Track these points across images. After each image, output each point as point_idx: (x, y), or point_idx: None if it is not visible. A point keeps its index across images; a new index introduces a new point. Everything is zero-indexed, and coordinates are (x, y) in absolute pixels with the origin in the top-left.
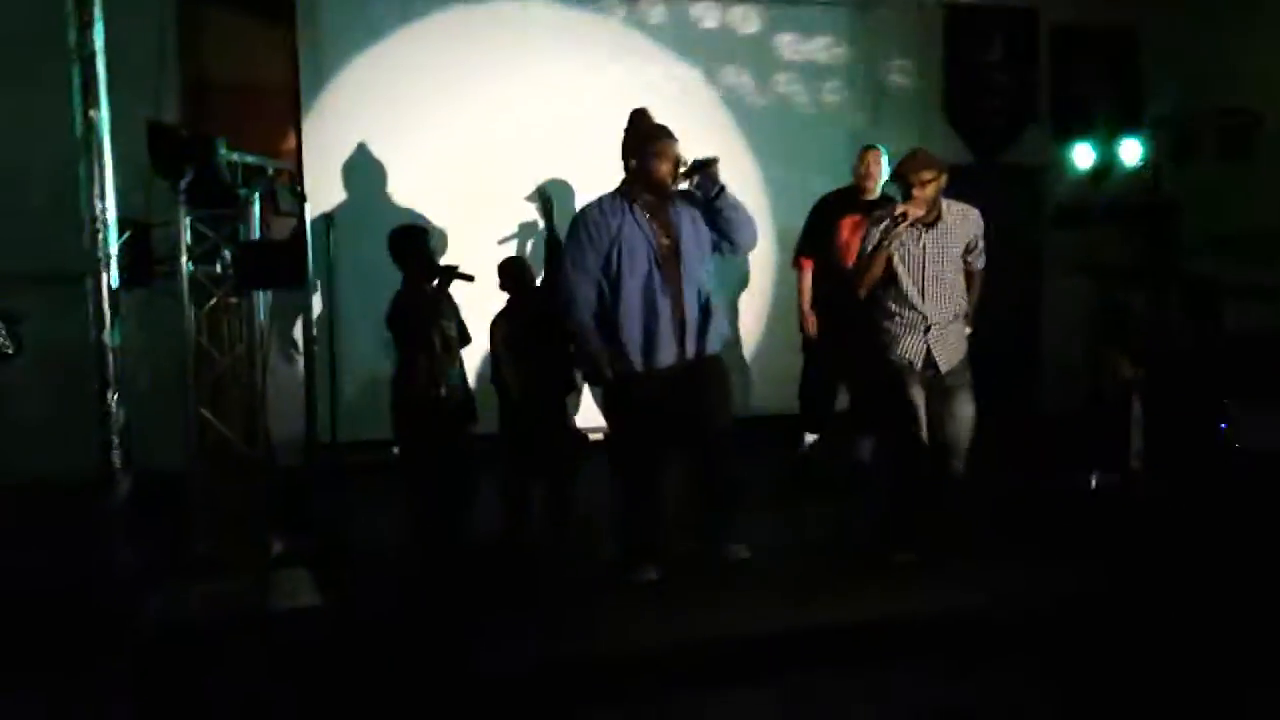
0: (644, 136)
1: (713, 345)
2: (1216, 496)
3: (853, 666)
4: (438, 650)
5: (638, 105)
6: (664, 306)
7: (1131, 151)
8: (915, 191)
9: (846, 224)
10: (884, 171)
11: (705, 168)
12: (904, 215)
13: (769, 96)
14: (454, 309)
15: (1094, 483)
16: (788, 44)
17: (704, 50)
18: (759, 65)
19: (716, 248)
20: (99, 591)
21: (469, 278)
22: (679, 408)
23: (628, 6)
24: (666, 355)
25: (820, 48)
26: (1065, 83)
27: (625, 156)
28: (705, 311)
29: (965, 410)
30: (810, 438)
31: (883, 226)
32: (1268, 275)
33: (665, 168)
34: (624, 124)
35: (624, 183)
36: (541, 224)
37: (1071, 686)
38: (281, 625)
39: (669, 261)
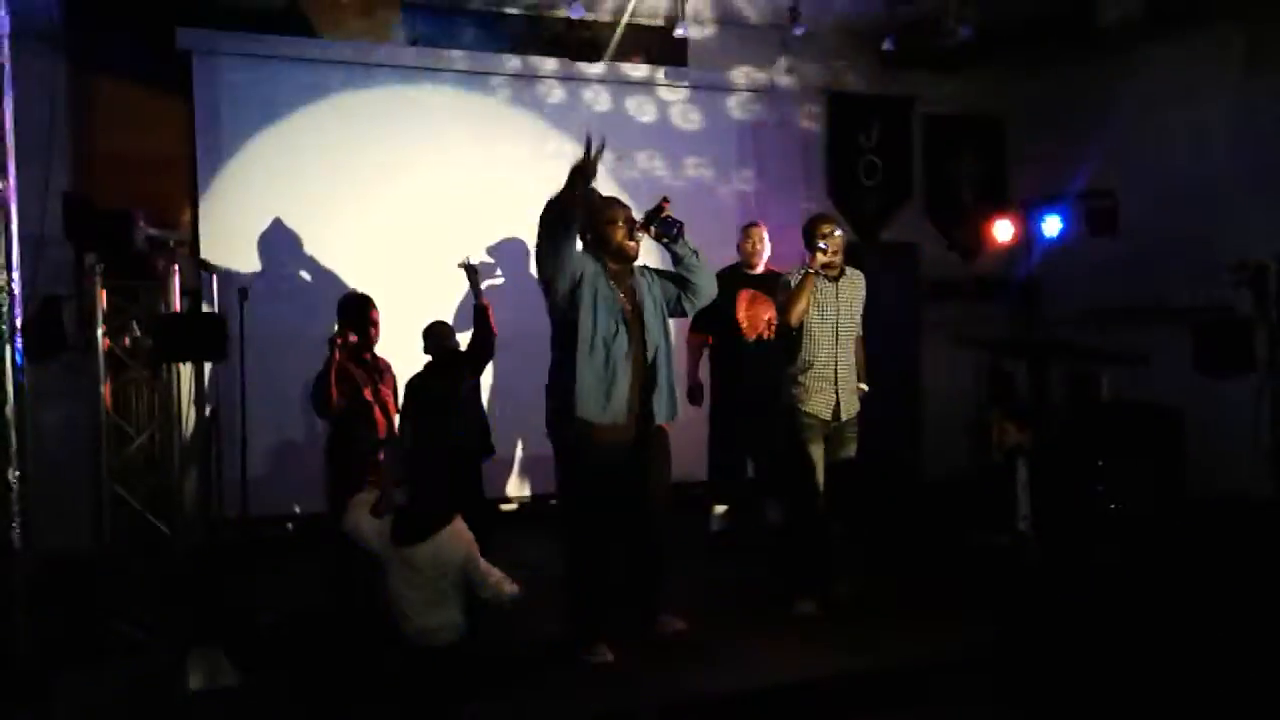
0: (595, 209)
1: (662, 416)
2: (1099, 555)
3: None
4: None
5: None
6: (624, 366)
7: (1004, 230)
8: (823, 243)
9: (743, 297)
10: (767, 248)
11: (660, 213)
12: (814, 269)
13: (667, 181)
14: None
15: (982, 543)
16: (680, 128)
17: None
18: (651, 146)
19: (674, 310)
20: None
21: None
22: (627, 475)
23: (516, 89)
24: (618, 414)
25: (712, 131)
26: (937, 166)
27: (580, 232)
28: (662, 382)
29: (850, 450)
30: (719, 509)
31: (800, 268)
32: (1137, 343)
33: (621, 233)
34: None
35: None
36: (467, 289)
37: None
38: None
39: (634, 324)
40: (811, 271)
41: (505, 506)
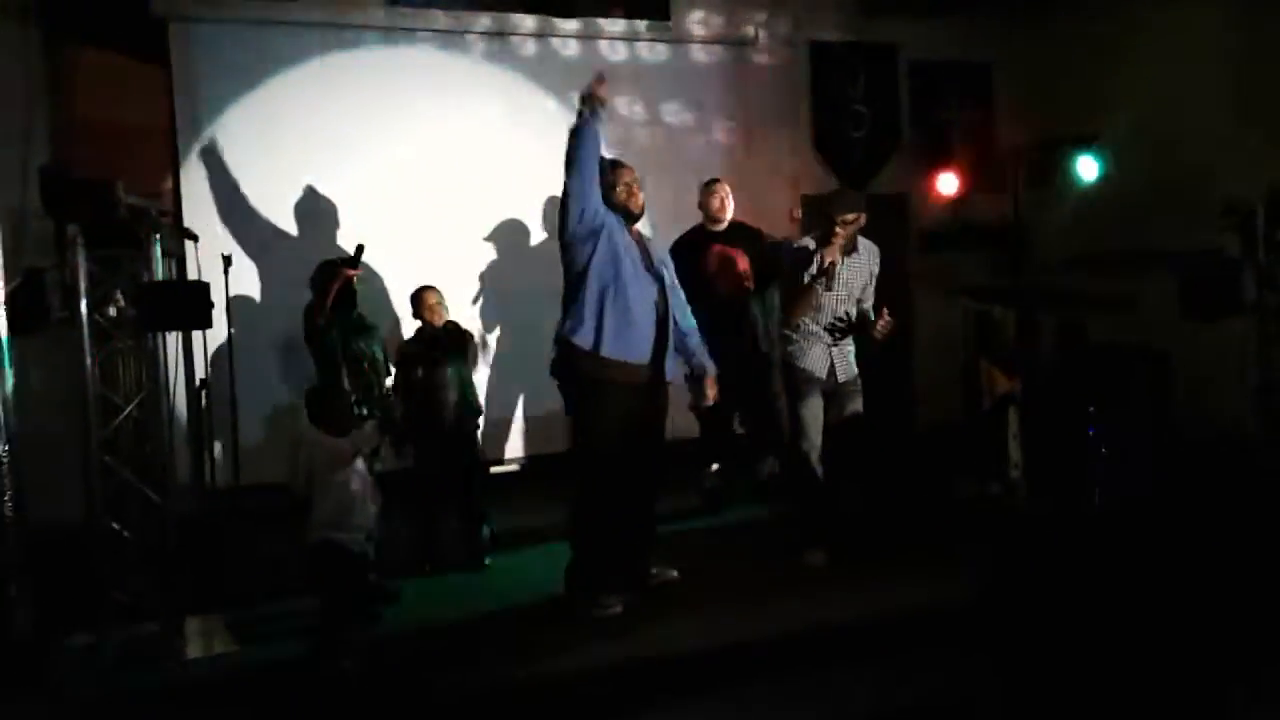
0: (602, 170)
1: (672, 370)
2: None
3: (783, 673)
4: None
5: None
6: (646, 313)
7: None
8: (839, 229)
9: (713, 258)
10: (731, 204)
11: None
12: (832, 264)
13: (645, 130)
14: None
15: (975, 492)
16: (663, 78)
17: (572, 85)
18: (633, 99)
19: None
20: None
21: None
22: (636, 421)
23: (490, 42)
24: (639, 354)
25: (695, 83)
26: (924, 114)
27: None
28: (670, 338)
29: (856, 406)
30: (714, 466)
31: (812, 271)
32: (1125, 289)
33: (624, 193)
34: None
35: None
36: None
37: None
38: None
39: (652, 272)
40: (819, 284)
41: (504, 468)
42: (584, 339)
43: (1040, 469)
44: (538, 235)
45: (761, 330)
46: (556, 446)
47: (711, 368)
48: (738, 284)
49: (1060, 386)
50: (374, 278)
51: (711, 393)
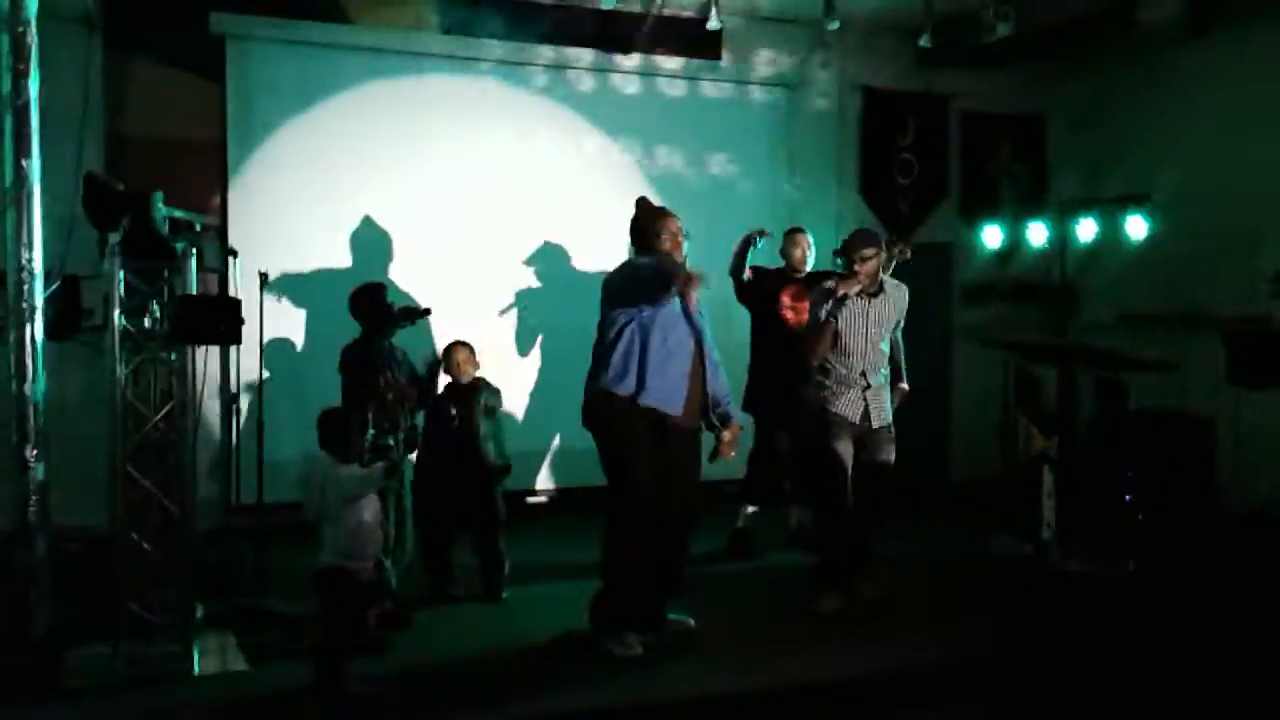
0: (644, 221)
1: (723, 414)
2: (1122, 567)
3: None
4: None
5: (560, 170)
6: (683, 360)
7: (1037, 233)
8: (857, 267)
9: (788, 292)
10: (812, 250)
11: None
12: (844, 296)
13: (697, 175)
14: (406, 362)
15: (1006, 551)
16: (714, 124)
17: (633, 128)
18: (688, 143)
19: None
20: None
21: (425, 312)
22: (668, 467)
23: (548, 79)
24: (676, 405)
25: (743, 126)
26: (974, 166)
27: (636, 241)
28: (712, 387)
29: (888, 454)
30: (750, 509)
31: (829, 305)
32: (1170, 352)
33: (669, 243)
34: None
35: None
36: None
37: None
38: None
39: (693, 325)
40: (837, 313)
41: (534, 499)
42: (624, 388)
43: (1073, 531)
44: (580, 269)
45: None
46: (585, 480)
47: (736, 421)
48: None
49: (1098, 448)
50: (412, 295)
51: (727, 448)
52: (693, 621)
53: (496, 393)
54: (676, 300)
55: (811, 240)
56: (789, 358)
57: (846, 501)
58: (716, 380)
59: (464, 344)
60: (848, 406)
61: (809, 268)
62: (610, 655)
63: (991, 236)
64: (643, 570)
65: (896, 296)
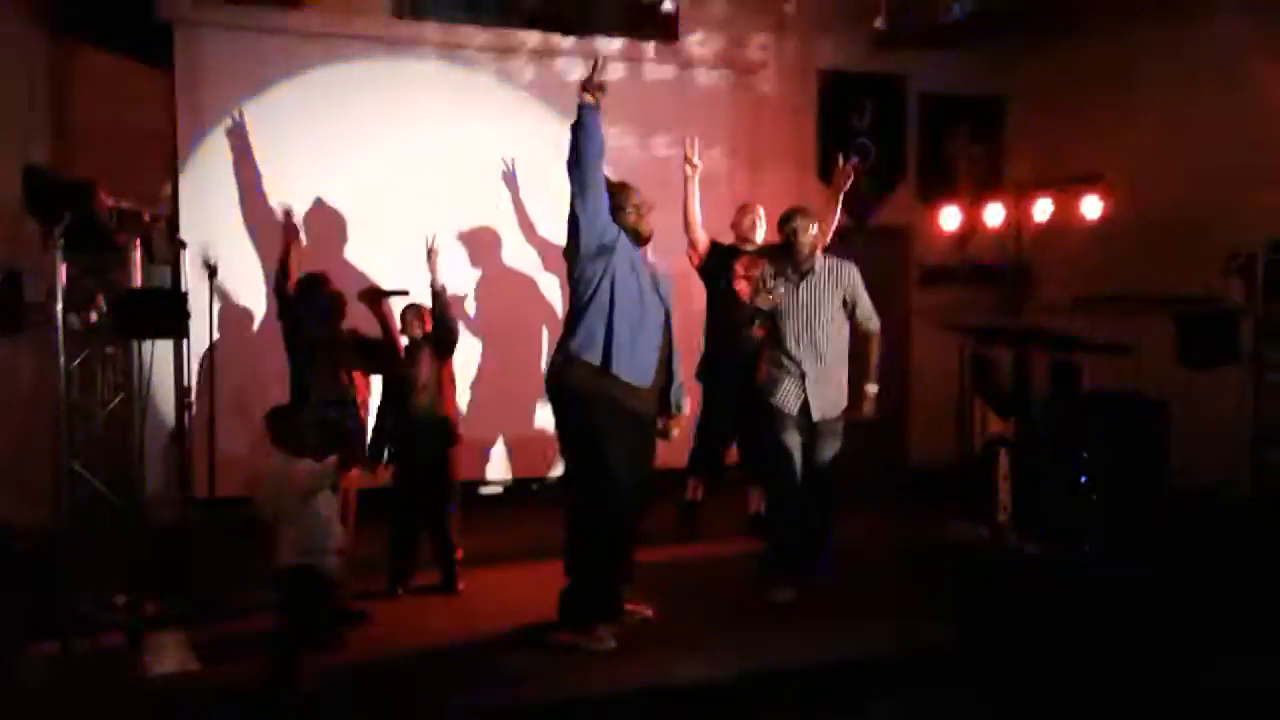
0: (612, 191)
1: (678, 407)
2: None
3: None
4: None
5: (518, 154)
6: (655, 336)
7: (994, 215)
8: (796, 238)
9: (741, 263)
10: (761, 221)
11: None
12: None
13: (650, 157)
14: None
15: (962, 535)
16: (669, 106)
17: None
18: (639, 125)
19: None
20: None
21: (400, 292)
22: (631, 446)
23: (496, 62)
24: (643, 377)
25: (698, 108)
26: (932, 147)
27: None
28: (676, 370)
29: (828, 451)
30: (695, 485)
31: (758, 276)
32: (1125, 333)
33: (633, 217)
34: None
35: None
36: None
37: None
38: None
39: (659, 296)
40: (766, 288)
41: (486, 489)
42: (592, 355)
43: (1029, 514)
44: (531, 253)
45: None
46: (537, 470)
47: (684, 409)
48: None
49: (1054, 431)
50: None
51: (674, 432)
52: (650, 611)
53: (443, 335)
54: (645, 273)
55: (762, 212)
56: (742, 328)
57: (794, 494)
58: (676, 362)
59: (413, 306)
60: (784, 398)
61: (759, 238)
62: (582, 650)
63: (949, 218)
64: (609, 559)
65: (833, 274)
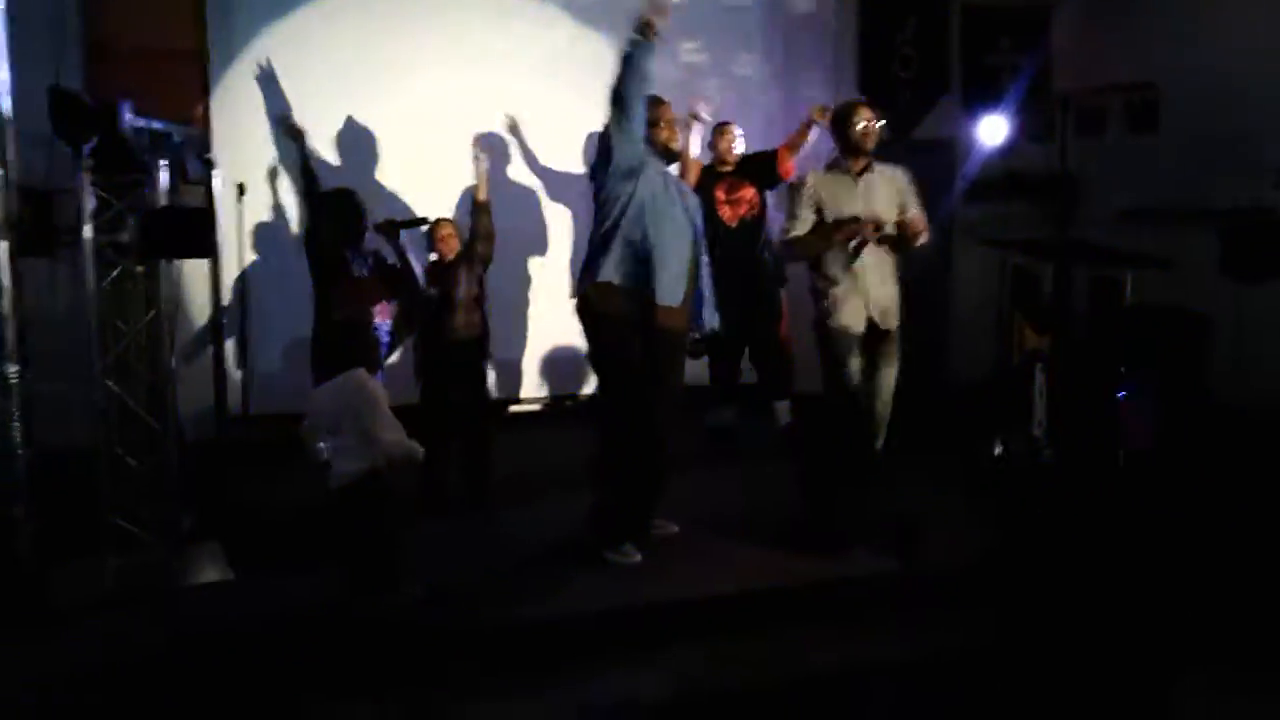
0: (645, 106)
1: (711, 321)
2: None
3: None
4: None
5: (544, 71)
6: (686, 254)
7: (1038, 125)
8: (866, 138)
9: (720, 187)
10: (740, 145)
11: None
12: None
13: (683, 69)
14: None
15: (998, 450)
16: (703, 17)
17: (616, 20)
18: (672, 38)
19: None
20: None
21: (419, 222)
22: (661, 367)
23: None
24: (673, 297)
25: (735, 21)
26: (976, 59)
27: None
28: (705, 285)
29: (889, 371)
30: (721, 408)
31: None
32: (1168, 248)
33: (665, 133)
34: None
35: None
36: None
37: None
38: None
39: (688, 216)
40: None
41: (521, 407)
42: (625, 278)
43: (1065, 428)
44: (560, 168)
45: (771, 270)
46: (571, 387)
47: (715, 324)
48: (744, 211)
49: (1092, 345)
50: (399, 204)
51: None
52: (676, 527)
53: (482, 245)
54: (674, 187)
55: (740, 132)
56: (729, 254)
57: (861, 427)
58: (705, 279)
59: (446, 220)
60: (851, 315)
61: (733, 159)
62: (610, 564)
63: (993, 130)
64: (637, 477)
65: (888, 181)
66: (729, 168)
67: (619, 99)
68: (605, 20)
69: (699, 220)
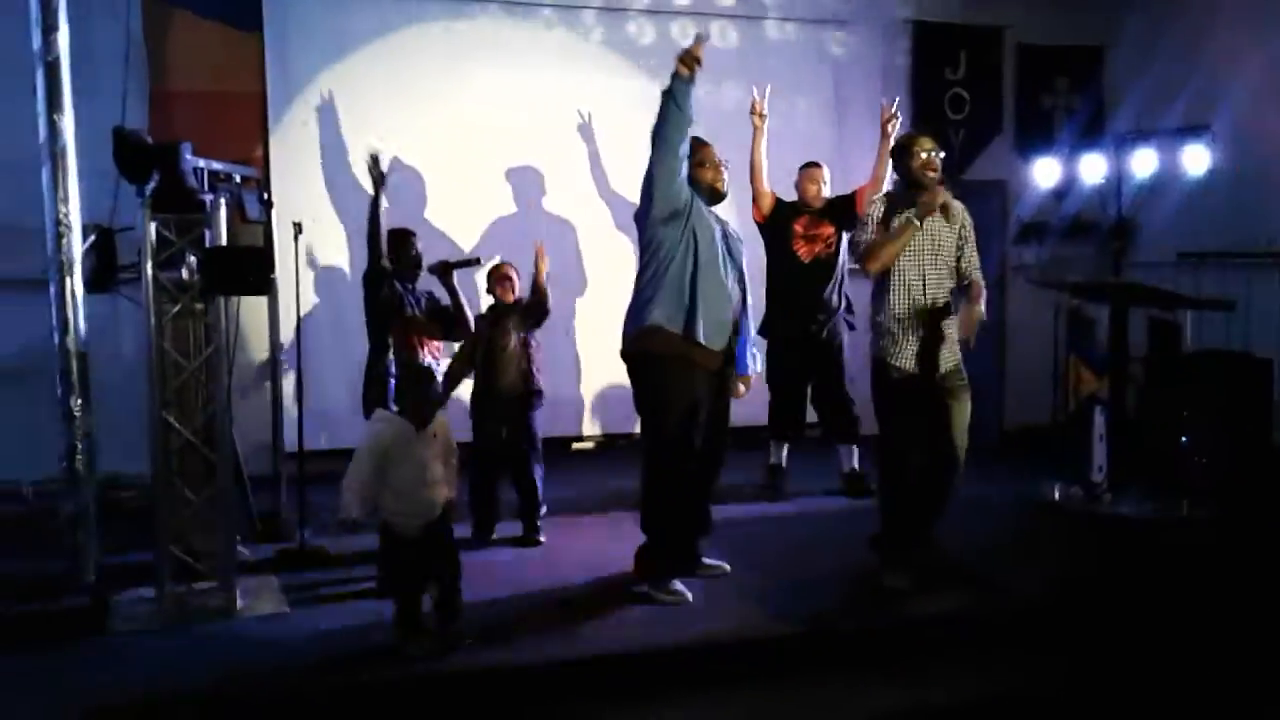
0: (690, 147)
1: (744, 362)
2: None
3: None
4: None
5: (604, 113)
6: (728, 298)
7: (1094, 168)
8: (928, 170)
9: (800, 222)
10: (827, 186)
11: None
12: (928, 200)
13: (739, 112)
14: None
15: (1057, 495)
16: (758, 60)
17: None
18: (730, 81)
19: None
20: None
21: (472, 262)
22: (706, 409)
23: (602, 26)
24: (719, 340)
25: (787, 63)
26: (1029, 99)
27: None
28: (747, 329)
29: (964, 414)
30: (780, 447)
31: (912, 211)
32: (1228, 291)
33: (710, 173)
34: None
35: None
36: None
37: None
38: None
39: (733, 257)
40: (915, 221)
41: (579, 445)
42: (674, 324)
43: (1126, 474)
44: (619, 210)
45: (839, 312)
46: (626, 426)
47: (756, 368)
48: (820, 249)
49: (1151, 390)
50: (448, 244)
51: (741, 390)
52: (728, 566)
53: (534, 315)
54: (717, 229)
55: (828, 175)
56: (800, 289)
57: (914, 472)
58: (748, 320)
59: (507, 264)
60: (912, 356)
61: (820, 205)
62: (658, 602)
63: (1047, 172)
64: (682, 516)
65: (956, 213)
66: (817, 208)
67: (659, 137)
68: (656, 66)
69: (743, 262)
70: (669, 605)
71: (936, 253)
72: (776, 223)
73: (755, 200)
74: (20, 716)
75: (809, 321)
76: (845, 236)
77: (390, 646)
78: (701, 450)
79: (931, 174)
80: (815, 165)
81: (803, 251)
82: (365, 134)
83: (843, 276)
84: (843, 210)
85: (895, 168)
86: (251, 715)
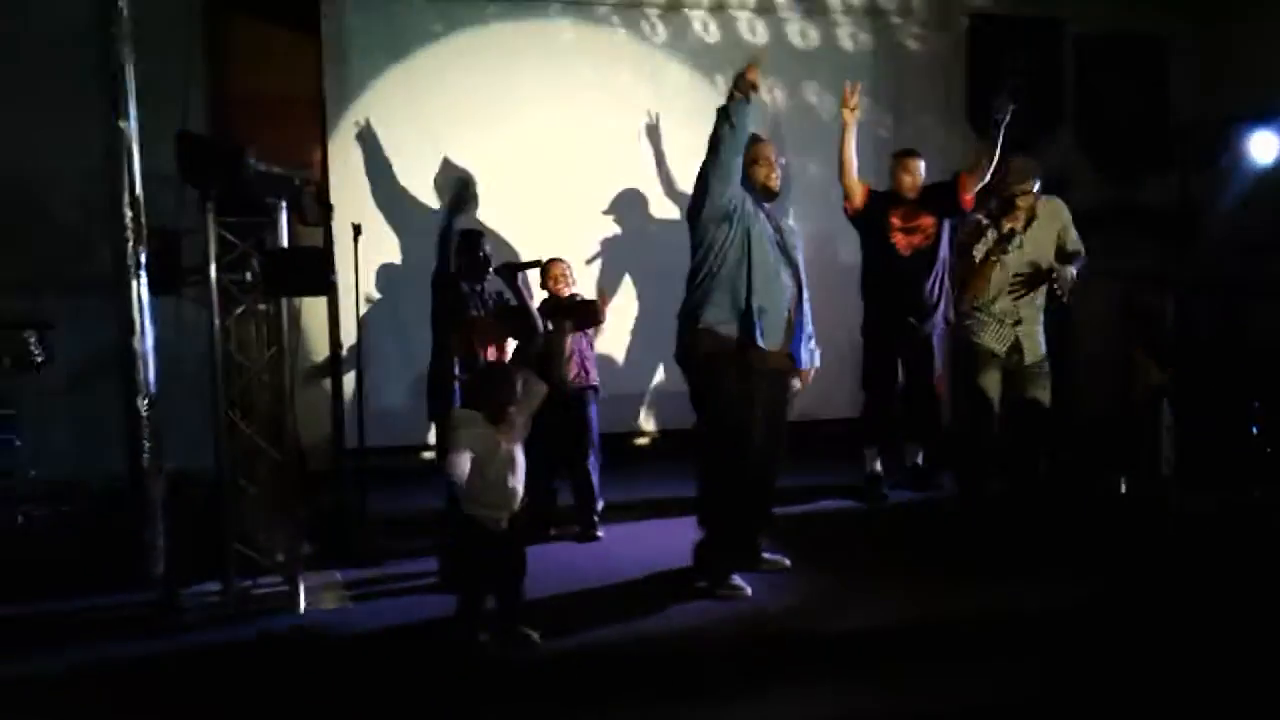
0: (745, 146)
1: (805, 361)
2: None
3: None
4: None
5: (661, 114)
6: (783, 297)
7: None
8: (1020, 202)
9: (897, 214)
10: (922, 176)
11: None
12: (1012, 232)
13: (793, 106)
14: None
15: (1124, 488)
16: (812, 54)
17: (727, 65)
18: (782, 75)
19: None
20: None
21: (535, 264)
22: (763, 407)
23: (660, 24)
24: (773, 340)
25: (847, 60)
26: (1090, 90)
27: None
28: (806, 324)
29: (1041, 392)
30: (874, 455)
31: (991, 243)
32: None
33: (764, 171)
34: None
35: None
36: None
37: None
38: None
39: (786, 255)
40: (995, 259)
41: (639, 440)
42: (728, 326)
43: (1194, 465)
44: (673, 211)
45: (940, 307)
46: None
47: (814, 362)
48: (920, 241)
49: (1218, 381)
50: (506, 247)
51: (798, 385)
52: (788, 561)
53: (585, 320)
54: (769, 227)
55: (923, 165)
56: (900, 283)
57: (988, 443)
58: (806, 316)
59: (560, 259)
60: (995, 339)
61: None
62: (717, 598)
63: (1111, 162)
64: (739, 511)
65: (1051, 216)
66: (911, 197)
67: (715, 147)
68: (715, 65)
69: (800, 256)
70: (727, 600)
71: (1031, 256)
72: (872, 215)
73: (847, 194)
74: (93, 711)
75: (911, 317)
76: (946, 225)
77: (454, 641)
78: (760, 446)
79: (1026, 205)
80: (910, 154)
81: (901, 244)
82: (423, 136)
83: (943, 270)
84: (941, 198)
85: (997, 185)
86: (319, 709)
